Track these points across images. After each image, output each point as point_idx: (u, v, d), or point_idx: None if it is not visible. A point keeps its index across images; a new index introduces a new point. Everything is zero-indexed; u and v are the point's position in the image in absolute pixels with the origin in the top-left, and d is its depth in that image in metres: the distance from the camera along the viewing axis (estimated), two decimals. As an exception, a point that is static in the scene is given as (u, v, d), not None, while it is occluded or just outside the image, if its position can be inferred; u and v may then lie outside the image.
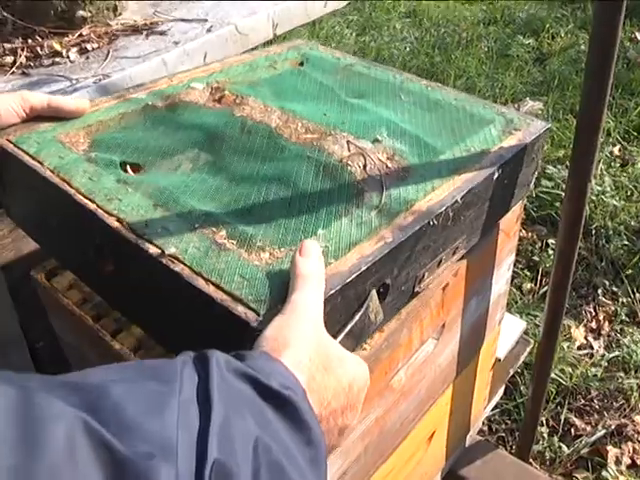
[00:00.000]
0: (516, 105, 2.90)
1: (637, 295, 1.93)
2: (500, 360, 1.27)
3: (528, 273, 2.01)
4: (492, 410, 1.50)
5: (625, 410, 1.62)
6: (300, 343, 0.47)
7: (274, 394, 0.40)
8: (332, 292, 0.57)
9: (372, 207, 0.70)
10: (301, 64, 1.10)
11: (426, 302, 0.81)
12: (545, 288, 1.95)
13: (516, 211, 0.99)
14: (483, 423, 1.57)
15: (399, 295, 0.71)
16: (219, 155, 0.80)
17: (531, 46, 3.37)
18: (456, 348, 0.98)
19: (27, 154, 0.78)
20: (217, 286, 0.58)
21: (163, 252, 0.61)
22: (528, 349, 1.48)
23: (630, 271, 1.98)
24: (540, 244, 2.11)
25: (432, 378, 0.94)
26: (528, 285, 1.98)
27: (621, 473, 1.49)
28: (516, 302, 1.91)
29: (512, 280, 1.94)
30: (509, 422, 1.63)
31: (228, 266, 0.60)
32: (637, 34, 3.27)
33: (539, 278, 2.00)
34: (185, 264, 0.60)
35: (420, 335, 0.83)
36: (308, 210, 0.69)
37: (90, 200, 0.70)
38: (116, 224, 0.66)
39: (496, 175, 0.79)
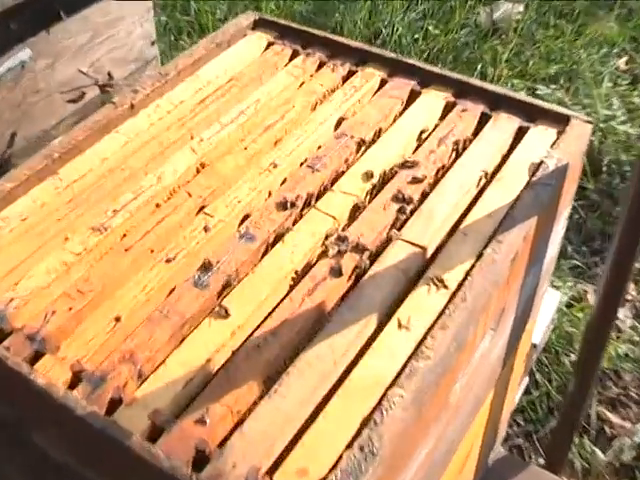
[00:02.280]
0: (488, 9, 2.81)
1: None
2: (535, 346, 1.19)
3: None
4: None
5: (669, 398, 1.59)
6: None
7: None
8: None
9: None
10: None
11: (495, 282, 0.70)
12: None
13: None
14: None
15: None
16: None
17: None
18: (507, 337, 0.89)
19: None
20: None
21: None
22: (551, 327, 1.41)
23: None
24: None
25: (481, 382, 0.84)
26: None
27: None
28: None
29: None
30: (523, 423, 1.56)
31: None
32: None
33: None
34: None
35: (484, 327, 0.73)
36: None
37: None
38: None
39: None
